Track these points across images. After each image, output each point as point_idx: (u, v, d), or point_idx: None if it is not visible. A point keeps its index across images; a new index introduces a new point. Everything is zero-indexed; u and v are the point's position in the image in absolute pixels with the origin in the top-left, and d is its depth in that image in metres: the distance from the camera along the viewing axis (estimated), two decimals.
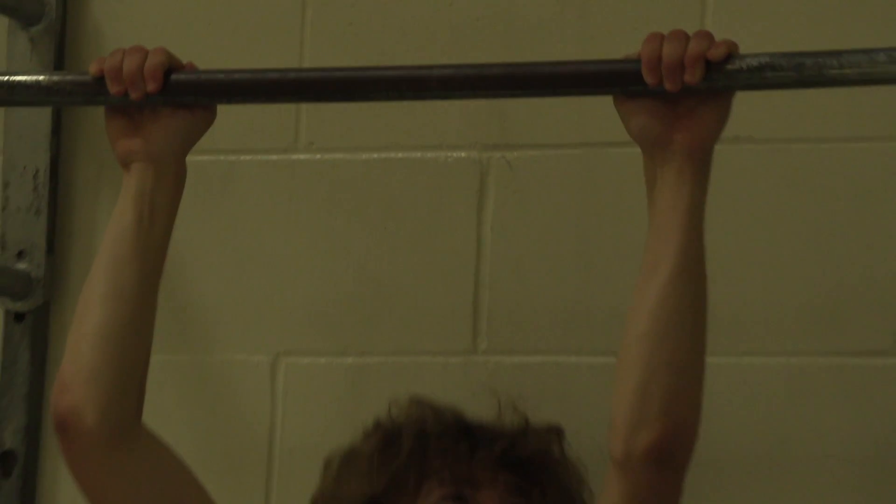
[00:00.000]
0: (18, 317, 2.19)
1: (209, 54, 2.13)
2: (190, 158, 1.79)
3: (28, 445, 2.21)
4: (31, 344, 2.22)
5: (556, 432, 1.85)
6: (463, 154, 2.15)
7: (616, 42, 2.03)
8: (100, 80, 1.75)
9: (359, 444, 1.82)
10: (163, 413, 2.11)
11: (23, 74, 1.99)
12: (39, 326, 2.26)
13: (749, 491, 2.00)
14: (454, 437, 1.82)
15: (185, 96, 1.71)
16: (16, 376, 2.21)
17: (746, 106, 1.90)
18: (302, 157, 2.21)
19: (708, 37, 1.60)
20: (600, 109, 1.84)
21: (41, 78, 1.92)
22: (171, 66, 1.72)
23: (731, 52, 1.60)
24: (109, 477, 1.78)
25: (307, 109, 2.26)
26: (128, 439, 1.73)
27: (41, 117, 2.27)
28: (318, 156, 2.21)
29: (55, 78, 1.94)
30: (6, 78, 1.89)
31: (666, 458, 1.64)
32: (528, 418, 1.87)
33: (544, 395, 2.18)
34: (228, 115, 2.12)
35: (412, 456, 1.80)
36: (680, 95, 1.61)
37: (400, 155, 2.17)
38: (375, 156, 2.18)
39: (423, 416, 1.86)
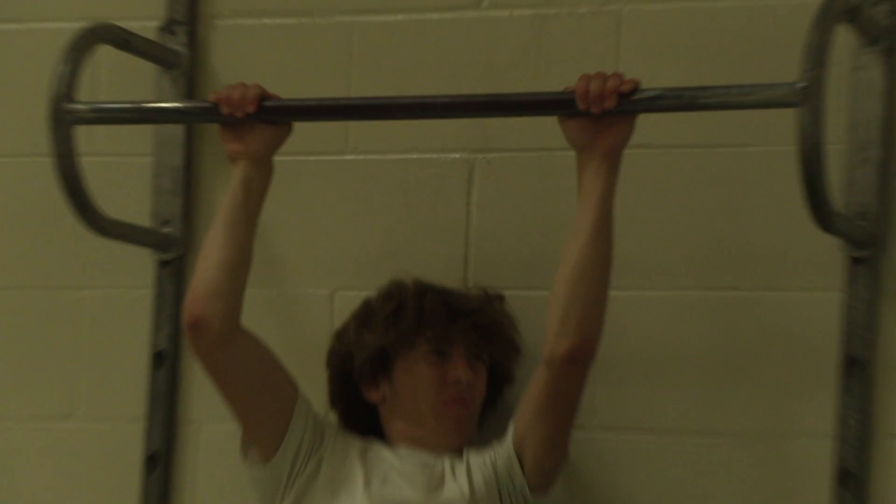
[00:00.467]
0: (164, 263, 2.47)
1: (290, 86, 2.31)
2: (276, 158, 2.23)
3: (174, 346, 2.47)
4: (172, 280, 2.50)
5: (501, 300, 2.29)
6: (457, 155, 2.37)
7: (561, 78, 2.12)
8: (216, 105, 2.13)
9: (375, 307, 2.21)
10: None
11: (165, 102, 2.45)
12: (177, 269, 2.51)
13: (640, 386, 2.27)
14: (441, 308, 2.18)
15: (272, 116, 2.10)
16: (164, 301, 2.46)
17: (645, 121, 2.07)
18: (349, 157, 2.42)
19: (620, 76, 1.95)
20: (552, 124, 2.04)
21: (178, 104, 2.43)
22: (263, 96, 2.10)
23: (636, 87, 1.94)
24: (223, 362, 2.10)
25: (352, 123, 2.43)
26: (234, 335, 2.06)
27: (178, 131, 2.49)
28: (360, 156, 2.42)
29: (187, 104, 2.40)
30: (155, 105, 2.41)
31: (577, 359, 1.98)
32: (488, 292, 2.29)
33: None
34: (298, 127, 2.24)
35: (413, 320, 2.16)
36: (600, 116, 1.94)
37: (415, 156, 2.39)
38: (399, 156, 2.41)
39: (422, 291, 2.19)
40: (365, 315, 2.19)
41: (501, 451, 2.10)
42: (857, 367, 2.07)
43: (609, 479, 2.35)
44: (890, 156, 2.10)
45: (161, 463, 2.43)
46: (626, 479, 2.27)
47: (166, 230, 2.47)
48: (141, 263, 2.52)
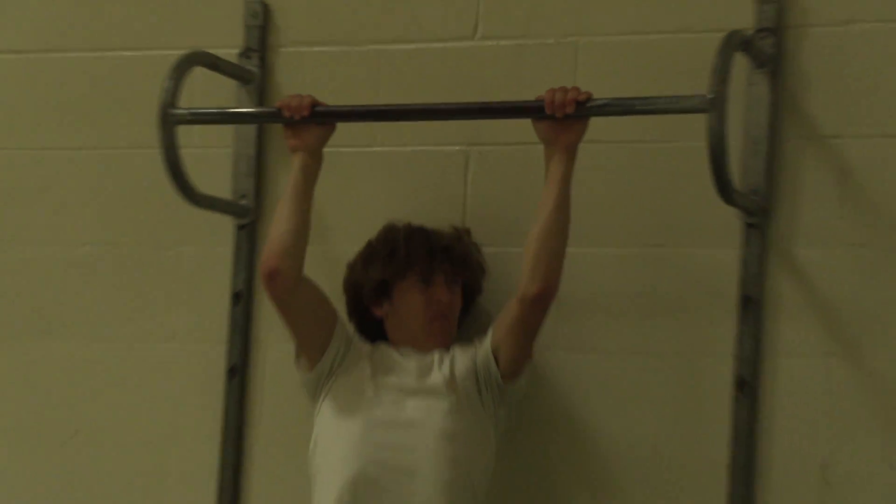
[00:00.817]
0: (240, 227, 2.72)
1: (334, 96, 2.53)
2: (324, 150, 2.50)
3: (248, 288, 2.76)
4: (247, 240, 2.76)
5: (468, 234, 2.57)
6: (457, 148, 2.61)
7: (533, 91, 2.35)
8: (280, 110, 2.38)
9: (375, 248, 2.47)
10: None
11: (243, 108, 2.75)
12: (250, 231, 2.77)
13: (591, 318, 2.50)
14: (424, 246, 2.43)
15: (320, 118, 2.37)
16: (241, 255, 2.73)
17: (595, 123, 2.28)
18: (376, 149, 2.69)
19: (577, 90, 2.18)
20: (528, 124, 2.29)
21: (252, 110, 2.75)
22: (314, 103, 2.34)
23: (589, 97, 2.17)
24: (289, 301, 2.37)
25: (378, 124, 2.67)
26: (298, 282, 2.34)
27: (251, 129, 2.77)
28: (384, 148, 2.70)
29: (258, 110, 2.72)
30: (235, 110, 2.73)
31: (542, 298, 2.24)
32: (458, 229, 2.56)
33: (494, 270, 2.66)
34: (340, 127, 2.47)
35: (403, 258, 2.41)
36: (562, 119, 2.19)
37: (425, 148, 2.65)
38: (412, 148, 2.68)
39: (409, 234, 2.46)
40: (368, 254, 2.44)
41: (481, 349, 2.35)
42: (751, 304, 2.28)
43: (568, 387, 2.55)
44: (774, 149, 2.33)
45: (238, 374, 2.68)
46: (581, 387, 2.47)
47: (243, 202, 2.71)
48: (223, 228, 2.77)
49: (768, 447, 2.30)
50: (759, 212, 2.26)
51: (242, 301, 2.68)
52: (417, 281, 2.37)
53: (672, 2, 2.52)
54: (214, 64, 2.58)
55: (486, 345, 2.34)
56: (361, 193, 2.73)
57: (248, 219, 2.68)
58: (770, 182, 2.30)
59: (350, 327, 2.51)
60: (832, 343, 2.30)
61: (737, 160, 2.21)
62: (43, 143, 3.10)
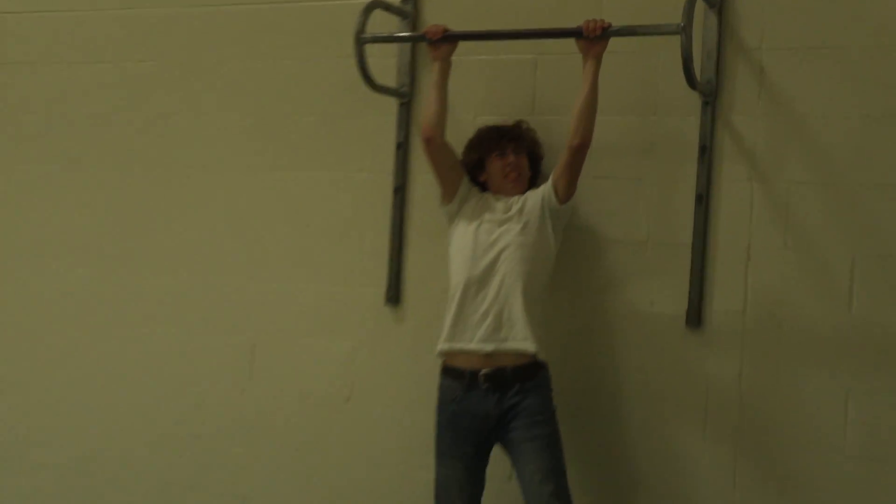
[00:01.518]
0: (402, 104, 3.26)
1: (458, 23, 2.96)
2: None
3: (406, 143, 3.28)
4: (404, 112, 3.28)
5: (525, 126, 2.98)
6: (529, 56, 3.07)
7: (577, 19, 2.73)
8: (425, 34, 2.92)
9: (474, 140, 2.97)
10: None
11: (403, 33, 3.20)
12: (406, 107, 3.27)
13: (594, 158, 2.85)
14: (497, 136, 2.93)
15: (448, 39, 2.90)
16: (402, 121, 3.25)
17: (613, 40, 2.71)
18: (479, 57, 3.12)
19: (602, 20, 2.68)
20: (573, 41, 2.76)
21: (408, 34, 3.19)
22: (445, 30, 2.89)
23: (609, 25, 2.69)
24: (436, 154, 2.93)
25: (481, 43, 3.10)
26: (442, 142, 2.88)
27: (407, 48, 3.25)
28: (482, 57, 3.15)
29: (413, 34, 3.16)
30: (400, 34, 3.20)
31: (582, 147, 2.74)
32: (519, 121, 2.98)
33: None
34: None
35: (487, 145, 2.94)
36: (592, 38, 2.71)
37: (510, 56, 3.12)
38: (503, 56, 3.13)
39: (491, 129, 2.95)
40: (470, 144, 3.00)
41: (546, 185, 2.86)
42: (706, 150, 2.81)
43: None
44: (720, 56, 2.82)
45: (401, 191, 3.27)
46: (584, 196, 2.94)
47: (403, 89, 3.30)
48: (390, 104, 3.32)
49: (715, 237, 2.86)
50: (710, 94, 2.81)
51: (402, 148, 3.29)
52: (496, 156, 2.92)
53: None
54: (387, 7, 3.16)
55: (549, 182, 2.86)
56: (471, 89, 3.22)
57: (405, 99, 3.30)
58: (717, 76, 2.83)
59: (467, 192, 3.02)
60: (754, 172, 2.84)
61: (697, 63, 2.73)
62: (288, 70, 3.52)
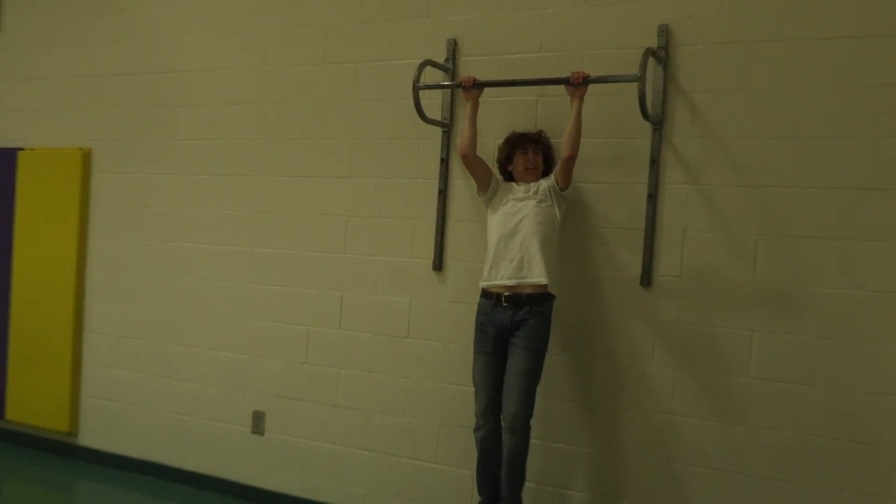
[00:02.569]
0: (444, 132, 3.35)
1: (486, 75, 3.16)
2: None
3: (447, 158, 3.37)
4: (446, 138, 3.37)
5: (543, 134, 3.11)
6: (532, 98, 3.21)
7: (566, 70, 2.93)
8: (461, 83, 3.10)
9: (506, 141, 3.11)
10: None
11: (443, 83, 3.31)
12: (448, 135, 3.39)
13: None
14: (521, 139, 3.08)
15: (477, 86, 3.08)
16: (444, 144, 3.33)
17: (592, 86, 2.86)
18: (499, 98, 3.24)
19: (583, 72, 2.86)
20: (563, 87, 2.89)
21: (448, 83, 3.30)
22: (474, 80, 3.08)
23: (588, 76, 2.85)
24: (471, 164, 3.11)
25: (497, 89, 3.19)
26: (475, 157, 3.08)
27: (448, 93, 3.36)
28: (499, 98, 3.26)
29: (451, 83, 3.29)
30: (442, 84, 3.30)
31: (569, 159, 2.91)
32: (540, 131, 3.11)
33: None
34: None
35: (515, 143, 3.09)
36: (577, 84, 2.87)
37: (518, 98, 3.23)
38: (512, 98, 3.22)
39: (518, 134, 3.09)
40: (505, 141, 3.14)
41: (550, 178, 3.02)
42: (654, 163, 2.95)
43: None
44: (665, 97, 2.97)
45: (443, 193, 3.38)
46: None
47: (445, 121, 3.41)
48: (436, 132, 3.44)
49: (660, 224, 3.00)
50: (658, 123, 2.98)
51: (444, 162, 3.45)
52: (521, 153, 3.09)
53: (615, 33, 3.08)
54: (434, 64, 3.37)
55: (552, 177, 3.04)
56: (491, 120, 3.30)
57: (447, 128, 3.43)
58: (663, 110, 2.99)
59: (498, 176, 3.18)
60: (688, 177, 2.95)
61: (649, 101, 2.91)
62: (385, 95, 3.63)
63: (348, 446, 3.64)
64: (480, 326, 3.02)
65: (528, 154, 3.06)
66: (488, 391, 2.99)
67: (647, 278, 3.01)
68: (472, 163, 3.13)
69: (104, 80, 4.34)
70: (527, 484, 3.10)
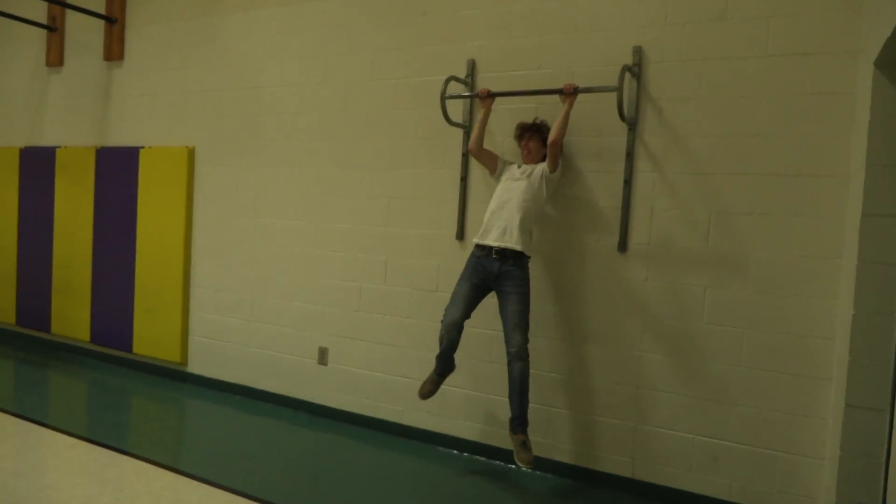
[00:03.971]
0: (465, 132, 3.24)
1: (497, 86, 3.12)
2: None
3: (466, 162, 3.22)
4: (466, 138, 3.19)
5: (543, 122, 3.03)
6: (532, 105, 3.15)
7: (561, 82, 2.90)
8: (478, 94, 3.04)
9: (517, 128, 3.04)
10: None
11: (465, 94, 3.18)
12: (467, 134, 3.24)
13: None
14: (524, 126, 3.03)
15: (491, 96, 3.02)
16: (464, 141, 3.19)
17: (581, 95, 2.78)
18: (507, 106, 3.19)
19: (574, 84, 2.80)
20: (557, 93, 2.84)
21: (468, 93, 3.22)
22: (489, 91, 3.02)
23: (577, 87, 2.80)
24: (479, 157, 3.08)
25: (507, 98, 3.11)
26: (481, 150, 3.04)
27: (468, 102, 3.26)
28: (507, 106, 3.21)
29: (470, 94, 3.20)
30: (461, 94, 3.17)
31: (555, 143, 2.82)
32: (538, 119, 3.02)
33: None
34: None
35: (519, 133, 3.05)
36: (568, 93, 2.82)
37: (521, 106, 3.16)
38: (516, 106, 3.16)
39: (522, 125, 3.03)
40: (516, 127, 3.08)
41: (541, 164, 2.97)
42: (629, 156, 2.88)
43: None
44: (638, 104, 2.90)
45: (464, 180, 3.28)
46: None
47: (466, 123, 3.31)
48: (458, 133, 3.40)
49: (633, 203, 2.96)
50: (632, 124, 2.94)
51: (465, 157, 3.37)
52: (522, 140, 3.06)
53: (599, 53, 2.99)
54: (457, 79, 3.33)
55: (543, 163, 3.00)
56: (501, 122, 3.28)
57: (467, 129, 3.36)
58: (636, 114, 2.96)
59: (506, 160, 3.09)
60: (655, 167, 2.91)
61: (626, 106, 2.92)
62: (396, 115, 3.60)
63: (391, 374, 3.66)
64: (474, 264, 2.98)
65: (524, 141, 3.04)
66: (462, 309, 2.96)
67: (623, 245, 2.99)
68: (478, 155, 3.11)
69: (205, 94, 4.38)
70: None
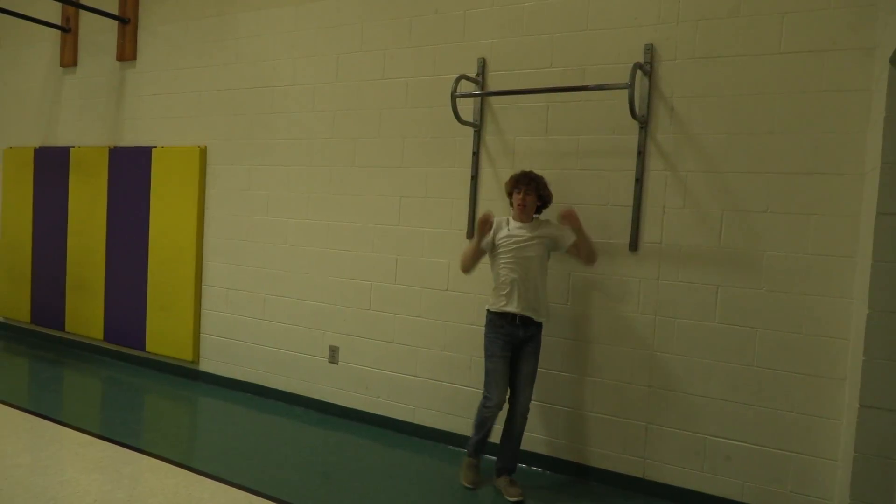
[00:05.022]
0: (476, 131, 3.20)
1: (507, 84, 3.06)
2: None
3: (478, 159, 3.20)
4: (478, 137, 3.14)
5: (535, 174, 2.82)
6: (542, 104, 3.11)
7: (569, 79, 2.89)
8: (479, 221, 2.73)
9: (509, 180, 2.85)
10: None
11: (475, 92, 3.00)
12: (479, 133, 3.22)
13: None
14: (516, 180, 2.83)
15: (503, 94, 2.90)
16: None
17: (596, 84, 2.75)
18: (520, 104, 3.16)
19: (573, 211, 2.63)
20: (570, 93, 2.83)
21: (478, 92, 3.00)
22: (490, 217, 2.72)
23: (575, 214, 2.62)
24: (473, 266, 2.86)
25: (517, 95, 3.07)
26: (471, 267, 2.82)
27: (478, 100, 3.15)
28: (520, 104, 3.17)
29: (481, 93, 2.96)
30: (474, 92, 3.00)
31: (591, 264, 2.78)
32: (531, 173, 2.81)
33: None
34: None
35: (512, 184, 2.85)
36: (568, 217, 2.65)
37: (533, 104, 3.13)
38: (527, 104, 3.12)
39: (516, 176, 2.84)
40: (508, 182, 2.91)
41: (561, 240, 2.77)
42: (640, 154, 2.85)
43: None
44: (650, 101, 2.86)
45: (474, 178, 3.24)
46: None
47: (476, 122, 3.21)
48: (468, 131, 3.30)
49: (645, 202, 2.91)
50: (644, 122, 2.91)
51: (476, 155, 3.27)
52: (516, 192, 2.87)
53: (610, 51, 2.96)
54: (467, 78, 3.28)
55: (564, 241, 2.78)
56: (512, 121, 3.24)
57: (477, 128, 3.32)
58: (648, 112, 2.92)
59: (498, 224, 2.84)
60: (667, 165, 2.87)
61: (637, 105, 2.90)
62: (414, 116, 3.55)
63: (402, 373, 3.66)
64: (503, 335, 2.83)
65: (520, 195, 2.84)
66: (505, 388, 2.85)
67: (634, 244, 2.97)
68: (470, 270, 2.97)
69: (217, 94, 4.37)
70: (535, 402, 3.09)
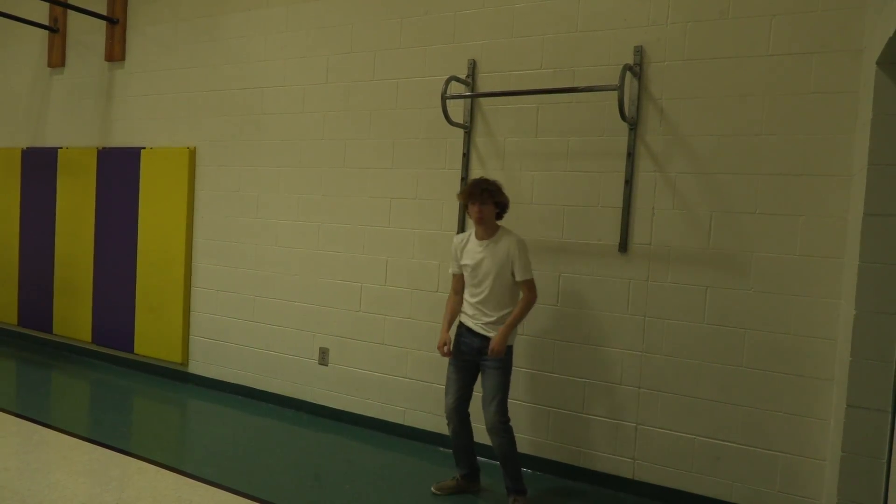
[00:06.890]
0: (466, 133, 3.19)
1: (496, 85, 3.07)
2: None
3: (468, 161, 3.16)
4: (469, 138, 3.16)
5: (492, 182, 2.70)
6: (533, 105, 3.12)
7: (561, 83, 2.87)
8: (439, 349, 2.74)
9: (461, 191, 2.75)
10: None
11: (465, 93, 2.99)
12: (469, 134, 3.20)
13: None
14: (470, 190, 2.69)
15: (499, 95, 2.88)
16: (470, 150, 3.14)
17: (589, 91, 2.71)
18: (510, 106, 3.17)
19: (499, 351, 2.57)
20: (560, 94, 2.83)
21: (469, 94, 2.97)
22: (449, 348, 2.72)
23: (499, 349, 2.58)
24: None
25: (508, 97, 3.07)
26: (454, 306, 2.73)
27: (468, 102, 3.11)
28: (511, 106, 3.17)
29: (472, 94, 2.93)
30: (462, 94, 2.98)
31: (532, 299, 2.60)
32: (486, 180, 2.70)
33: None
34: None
35: (466, 196, 2.70)
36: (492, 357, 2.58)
37: (524, 105, 3.11)
38: (519, 106, 3.10)
39: (470, 185, 2.71)
40: (460, 194, 2.79)
41: (514, 268, 2.66)
42: (630, 156, 2.86)
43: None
44: (639, 103, 2.88)
45: (465, 180, 3.20)
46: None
47: (466, 124, 3.20)
48: (458, 132, 3.28)
49: (635, 203, 2.92)
50: (633, 123, 2.93)
51: (466, 157, 3.30)
52: (471, 205, 2.73)
53: (600, 53, 2.95)
54: (457, 79, 3.28)
55: (513, 271, 2.68)
56: (503, 122, 3.22)
57: (467, 129, 3.31)
58: (637, 113, 2.93)
59: (458, 245, 2.78)
60: (656, 167, 2.87)
61: (627, 106, 2.91)
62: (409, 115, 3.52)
63: (392, 374, 3.66)
64: (457, 343, 2.82)
65: (473, 205, 2.71)
66: (454, 394, 2.82)
67: (624, 245, 2.97)
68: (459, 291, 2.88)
69: (206, 95, 4.36)
70: (524, 403, 3.10)
